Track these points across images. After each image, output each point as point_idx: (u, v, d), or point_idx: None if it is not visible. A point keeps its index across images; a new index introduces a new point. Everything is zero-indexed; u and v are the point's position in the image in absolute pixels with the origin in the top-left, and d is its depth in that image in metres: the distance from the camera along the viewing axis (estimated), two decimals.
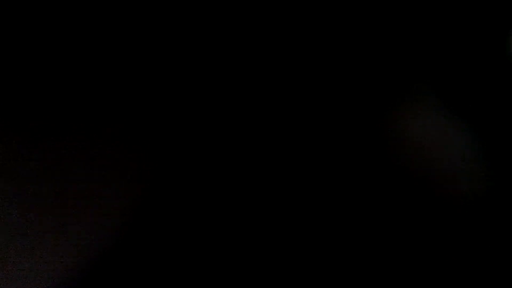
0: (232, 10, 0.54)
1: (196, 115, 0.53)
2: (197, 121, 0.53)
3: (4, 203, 0.50)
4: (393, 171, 0.52)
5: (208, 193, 0.51)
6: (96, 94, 0.53)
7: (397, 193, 0.51)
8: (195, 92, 0.53)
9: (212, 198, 0.51)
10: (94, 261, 0.49)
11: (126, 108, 0.53)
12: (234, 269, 0.50)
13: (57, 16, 0.54)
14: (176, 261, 0.50)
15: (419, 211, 0.51)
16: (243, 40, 0.54)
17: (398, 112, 0.53)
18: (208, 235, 0.50)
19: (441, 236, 0.51)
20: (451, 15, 0.54)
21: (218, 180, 0.51)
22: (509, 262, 0.50)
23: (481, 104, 0.53)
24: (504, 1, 0.53)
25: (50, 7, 0.54)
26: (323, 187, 0.51)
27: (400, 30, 0.54)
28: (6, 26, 0.53)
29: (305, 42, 0.54)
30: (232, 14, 0.54)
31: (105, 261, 0.49)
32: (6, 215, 0.50)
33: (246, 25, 0.54)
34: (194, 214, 0.51)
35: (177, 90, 0.53)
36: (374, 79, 0.54)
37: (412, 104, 0.53)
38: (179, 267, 0.50)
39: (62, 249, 0.49)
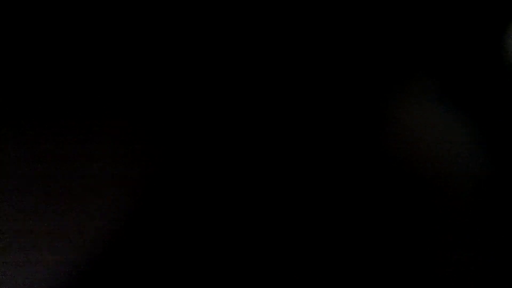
0: (232, 10, 0.54)
1: (196, 115, 0.53)
2: (197, 120, 0.53)
3: (4, 202, 0.50)
4: (394, 166, 0.52)
5: (207, 193, 0.51)
6: (95, 93, 0.53)
7: (398, 187, 0.51)
8: (195, 92, 0.53)
9: (211, 198, 0.51)
10: (93, 260, 0.49)
11: (125, 107, 0.53)
12: (233, 269, 0.50)
13: (57, 16, 0.54)
14: (175, 260, 0.50)
15: (420, 206, 0.51)
16: (243, 40, 0.54)
17: (399, 107, 0.53)
18: (207, 234, 0.50)
19: (443, 230, 0.51)
20: (452, 10, 0.54)
21: (218, 179, 0.51)
22: (510, 259, 0.50)
23: (482, 98, 0.53)
24: None
25: (50, 7, 0.54)
26: (324, 183, 0.51)
27: (401, 25, 0.54)
28: (6, 26, 0.53)
29: (306, 37, 0.54)
30: (232, 14, 0.54)
31: (104, 260, 0.49)
32: (5, 215, 0.50)
33: (246, 25, 0.54)
34: (193, 213, 0.51)
35: (177, 89, 0.53)
36: (375, 75, 0.54)
37: (413, 98, 0.53)
38: (178, 266, 0.50)
39: (61, 248, 0.49)
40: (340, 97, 0.53)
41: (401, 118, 0.53)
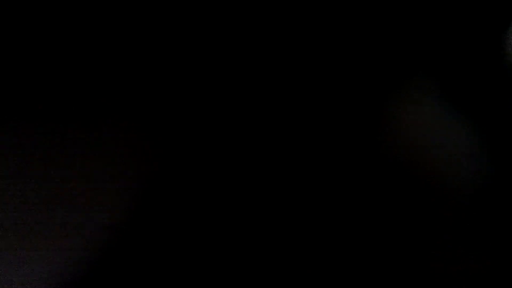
0: (232, 10, 0.54)
1: (196, 114, 0.53)
2: (197, 120, 0.53)
3: (3, 202, 0.50)
4: (393, 166, 0.52)
5: (207, 193, 0.51)
6: (95, 91, 0.53)
7: (397, 188, 0.51)
8: (195, 92, 0.53)
9: (211, 198, 0.51)
10: (94, 260, 0.49)
11: (126, 106, 0.53)
12: (233, 269, 0.50)
13: (57, 16, 0.54)
14: (175, 259, 0.50)
15: (420, 206, 0.51)
16: (243, 40, 0.54)
17: (399, 107, 0.53)
18: (208, 234, 0.50)
19: (442, 232, 0.51)
20: (452, 10, 0.54)
21: (217, 179, 0.51)
22: (509, 259, 0.50)
23: (482, 99, 0.53)
24: None
25: (50, 7, 0.54)
26: (323, 183, 0.51)
27: (401, 25, 0.54)
28: (6, 26, 0.53)
29: (306, 37, 0.54)
30: (231, 14, 0.54)
31: (105, 260, 0.49)
32: (6, 214, 0.50)
33: (246, 25, 0.54)
34: (193, 213, 0.51)
35: (178, 88, 0.53)
36: (374, 75, 0.54)
37: (413, 98, 0.53)
38: (178, 265, 0.50)
39: (61, 248, 0.49)
40: (339, 97, 0.53)
41: (401, 118, 0.53)
